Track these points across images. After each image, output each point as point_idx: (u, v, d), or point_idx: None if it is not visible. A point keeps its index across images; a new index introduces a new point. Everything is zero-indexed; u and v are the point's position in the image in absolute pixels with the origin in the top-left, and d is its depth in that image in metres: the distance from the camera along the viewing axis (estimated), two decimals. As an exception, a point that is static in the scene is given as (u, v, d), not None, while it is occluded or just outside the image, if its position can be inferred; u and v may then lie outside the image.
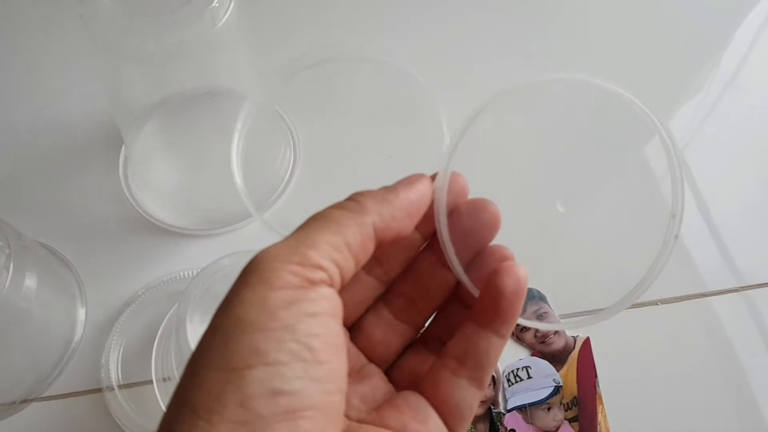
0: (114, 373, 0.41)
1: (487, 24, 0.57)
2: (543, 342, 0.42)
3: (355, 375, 0.21)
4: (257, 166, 0.47)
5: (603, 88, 0.20)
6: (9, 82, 0.53)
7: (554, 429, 0.40)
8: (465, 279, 0.21)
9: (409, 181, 0.21)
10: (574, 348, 0.42)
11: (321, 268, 0.18)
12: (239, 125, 0.33)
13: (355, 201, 0.20)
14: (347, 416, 0.20)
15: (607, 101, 0.20)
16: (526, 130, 0.46)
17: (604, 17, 0.59)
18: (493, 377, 0.41)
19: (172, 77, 0.40)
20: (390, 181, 0.21)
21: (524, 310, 0.42)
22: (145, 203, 0.46)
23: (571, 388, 0.41)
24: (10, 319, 0.38)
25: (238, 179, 0.33)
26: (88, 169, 0.48)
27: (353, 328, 0.22)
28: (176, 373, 0.39)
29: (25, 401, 0.40)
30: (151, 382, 0.40)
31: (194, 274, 0.42)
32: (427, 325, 0.23)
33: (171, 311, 0.41)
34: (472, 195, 0.22)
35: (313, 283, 0.17)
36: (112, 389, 0.40)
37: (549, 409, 0.40)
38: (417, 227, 0.21)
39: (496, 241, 0.22)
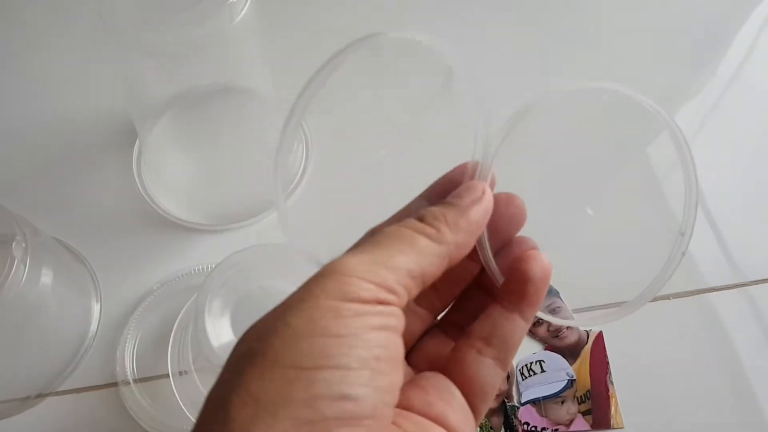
0: (129, 367, 0.41)
1: (505, 30, 0.58)
2: (556, 336, 0.42)
3: None
4: (269, 162, 0.47)
5: (635, 100, 0.21)
6: (23, 79, 0.53)
7: (568, 422, 0.40)
8: (493, 266, 0.22)
9: (476, 198, 0.21)
10: (587, 342, 0.42)
11: (394, 292, 0.18)
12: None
13: (435, 229, 0.20)
14: None
15: (637, 114, 0.21)
16: (561, 134, 0.47)
17: (607, 17, 0.60)
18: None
19: (188, 72, 0.40)
20: (406, 180, 0.21)
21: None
22: (158, 199, 0.46)
23: (584, 382, 0.41)
24: (26, 314, 0.38)
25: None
26: (102, 165, 0.48)
27: None
28: (192, 367, 0.39)
29: (40, 396, 0.40)
30: (166, 375, 0.40)
31: (209, 269, 0.42)
32: (445, 312, 0.24)
33: (187, 305, 0.42)
34: (506, 190, 0.22)
35: (383, 303, 0.18)
36: (128, 383, 0.40)
37: (563, 402, 0.40)
38: None
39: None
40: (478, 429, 0.39)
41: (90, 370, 0.41)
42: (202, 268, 0.43)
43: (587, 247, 0.45)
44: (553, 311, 0.43)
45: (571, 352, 0.42)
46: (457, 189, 0.21)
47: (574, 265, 0.42)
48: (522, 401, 0.40)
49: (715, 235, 0.48)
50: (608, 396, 0.41)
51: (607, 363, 0.42)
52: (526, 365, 0.41)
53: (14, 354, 0.40)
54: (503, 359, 0.21)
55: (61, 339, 0.42)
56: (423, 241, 0.19)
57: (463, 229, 0.20)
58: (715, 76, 0.57)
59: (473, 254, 0.22)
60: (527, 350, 0.42)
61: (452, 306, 0.24)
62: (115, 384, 0.41)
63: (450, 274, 0.23)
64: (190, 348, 0.38)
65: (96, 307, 0.43)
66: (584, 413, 0.40)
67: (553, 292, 0.43)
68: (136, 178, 0.47)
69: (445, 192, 0.22)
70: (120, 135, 0.49)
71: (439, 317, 0.24)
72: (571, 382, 0.41)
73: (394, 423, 0.19)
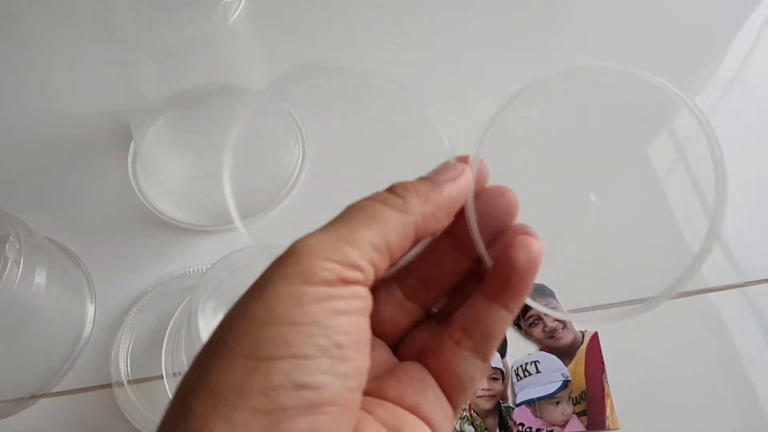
0: (123, 368, 0.41)
1: (502, 25, 0.58)
2: (551, 337, 0.42)
3: None
4: (266, 162, 0.47)
5: (649, 81, 0.20)
6: (18, 78, 0.53)
7: (563, 423, 0.40)
8: (483, 252, 0.21)
9: (452, 175, 0.20)
10: (582, 343, 0.42)
11: (359, 268, 0.18)
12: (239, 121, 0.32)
13: (400, 198, 0.19)
14: None
15: (652, 94, 0.20)
16: (556, 119, 0.46)
17: (608, 14, 0.60)
18: (501, 372, 0.41)
19: (183, 73, 0.40)
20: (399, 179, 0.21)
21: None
22: (154, 199, 0.46)
23: (580, 383, 0.41)
24: (19, 316, 0.38)
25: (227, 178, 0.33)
26: (97, 165, 0.48)
27: None
28: (186, 368, 0.39)
29: (35, 397, 0.40)
30: (161, 377, 0.40)
31: (204, 270, 0.42)
32: (442, 303, 0.23)
33: (181, 306, 0.42)
34: (501, 181, 0.22)
35: (348, 282, 0.17)
36: (122, 385, 0.40)
37: (558, 403, 0.40)
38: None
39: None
40: (473, 429, 0.39)
41: (84, 371, 0.41)
42: (197, 269, 0.43)
43: (590, 238, 0.45)
44: (548, 312, 0.43)
45: (566, 353, 0.42)
46: (437, 166, 0.21)
47: (575, 259, 0.41)
48: (517, 402, 0.40)
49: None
50: (603, 397, 0.41)
51: (603, 363, 0.42)
52: (521, 366, 0.41)
53: (8, 355, 0.40)
54: (483, 351, 0.20)
55: (55, 340, 0.42)
56: (387, 212, 0.19)
57: (432, 201, 0.19)
58: (716, 75, 0.57)
59: (464, 245, 0.21)
60: (523, 351, 0.42)
61: (449, 299, 0.23)
62: (109, 385, 0.40)
63: (439, 268, 0.22)
64: (184, 349, 0.38)
65: (90, 308, 0.43)
66: (579, 414, 0.40)
67: (547, 293, 0.43)
68: (132, 178, 0.47)
69: None
70: (115, 135, 0.49)
71: (434, 310, 0.23)
72: (566, 383, 0.41)
73: (366, 410, 0.19)
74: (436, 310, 0.23)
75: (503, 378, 0.41)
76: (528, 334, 0.42)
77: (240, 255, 0.38)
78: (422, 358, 0.21)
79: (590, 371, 0.41)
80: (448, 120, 0.22)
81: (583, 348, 0.42)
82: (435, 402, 0.20)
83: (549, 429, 0.40)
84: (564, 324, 0.43)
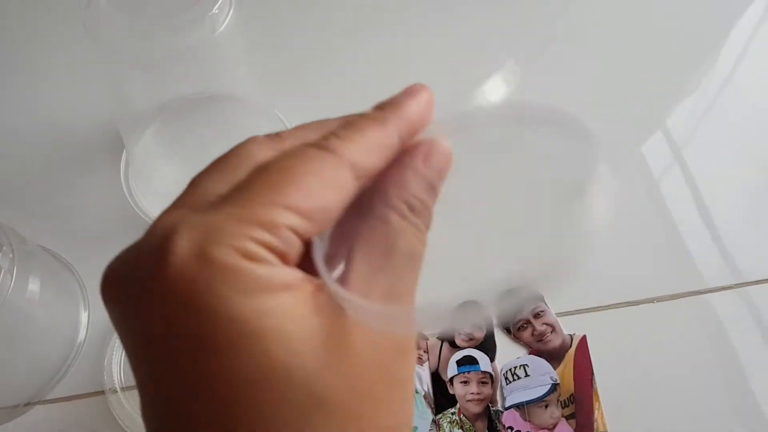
0: (117, 375, 0.41)
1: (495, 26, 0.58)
2: (540, 340, 0.43)
3: None
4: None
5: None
6: (10, 86, 0.53)
7: (552, 426, 0.40)
8: None
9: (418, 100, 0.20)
10: (570, 346, 0.43)
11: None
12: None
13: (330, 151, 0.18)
14: None
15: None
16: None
17: (601, 18, 0.60)
18: (490, 375, 0.42)
19: (172, 82, 0.41)
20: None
21: (522, 310, 0.43)
22: (146, 206, 0.46)
23: (568, 386, 0.41)
24: (13, 324, 0.39)
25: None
26: (89, 173, 0.48)
27: None
28: None
29: (29, 404, 0.41)
30: (153, 383, 0.40)
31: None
32: None
33: (173, 313, 0.42)
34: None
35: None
36: (115, 392, 0.41)
37: (546, 406, 0.41)
38: None
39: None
40: (463, 433, 0.40)
41: (78, 378, 0.42)
42: (189, 276, 0.44)
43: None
44: (536, 315, 0.43)
45: (555, 356, 0.42)
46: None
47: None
48: (506, 405, 0.41)
49: (712, 235, 0.48)
50: (592, 400, 0.41)
51: (591, 367, 0.42)
52: (510, 369, 0.42)
53: (2, 363, 0.40)
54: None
55: (48, 348, 0.42)
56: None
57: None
58: (710, 75, 0.57)
59: None
60: (511, 354, 0.42)
61: None
62: (102, 392, 0.41)
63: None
64: (176, 356, 0.39)
65: (84, 316, 0.44)
66: (568, 417, 0.40)
67: (537, 297, 0.43)
68: (124, 187, 0.47)
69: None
70: (108, 143, 0.49)
71: None
72: (554, 386, 0.41)
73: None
74: None
75: (492, 382, 0.41)
76: (517, 338, 0.43)
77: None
78: None
79: (579, 374, 0.42)
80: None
81: (571, 351, 0.42)
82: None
83: (538, 432, 0.40)
84: (553, 328, 0.43)
